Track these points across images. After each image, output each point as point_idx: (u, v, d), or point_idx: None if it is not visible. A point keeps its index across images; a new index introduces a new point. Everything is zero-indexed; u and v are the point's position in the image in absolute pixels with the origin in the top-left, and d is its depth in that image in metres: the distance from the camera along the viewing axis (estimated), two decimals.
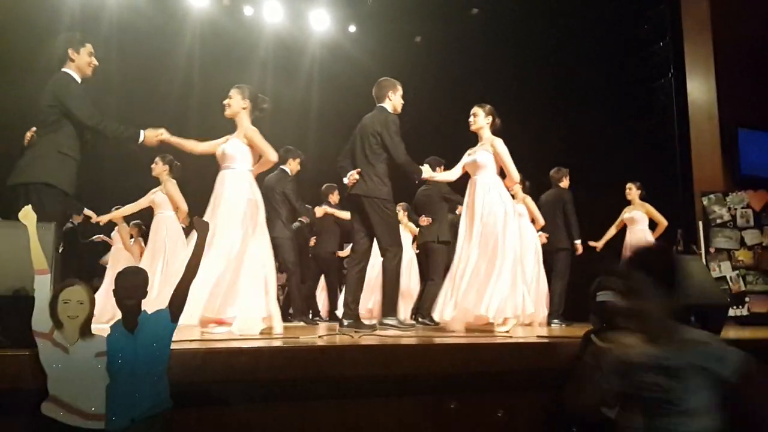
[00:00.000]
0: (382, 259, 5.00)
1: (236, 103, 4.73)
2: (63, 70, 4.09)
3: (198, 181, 6.31)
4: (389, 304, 4.98)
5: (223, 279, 4.25)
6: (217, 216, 4.38)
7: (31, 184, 3.77)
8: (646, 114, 9.25)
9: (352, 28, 11.04)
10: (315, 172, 8.84)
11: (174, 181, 6.69)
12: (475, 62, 10.21)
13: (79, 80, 4.11)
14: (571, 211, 7.28)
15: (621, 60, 9.51)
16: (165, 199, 6.64)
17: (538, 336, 4.37)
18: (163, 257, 6.39)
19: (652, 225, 7.63)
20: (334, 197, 8.21)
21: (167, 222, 6.58)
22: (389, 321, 4.90)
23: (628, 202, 7.84)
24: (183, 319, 3.01)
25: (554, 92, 9.78)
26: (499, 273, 4.83)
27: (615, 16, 9.36)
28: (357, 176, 4.88)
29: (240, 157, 4.60)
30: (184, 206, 6.58)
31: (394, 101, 5.17)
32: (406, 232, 7.89)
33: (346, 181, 4.96)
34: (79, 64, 4.11)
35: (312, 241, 8.12)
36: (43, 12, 9.43)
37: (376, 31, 10.85)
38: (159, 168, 6.70)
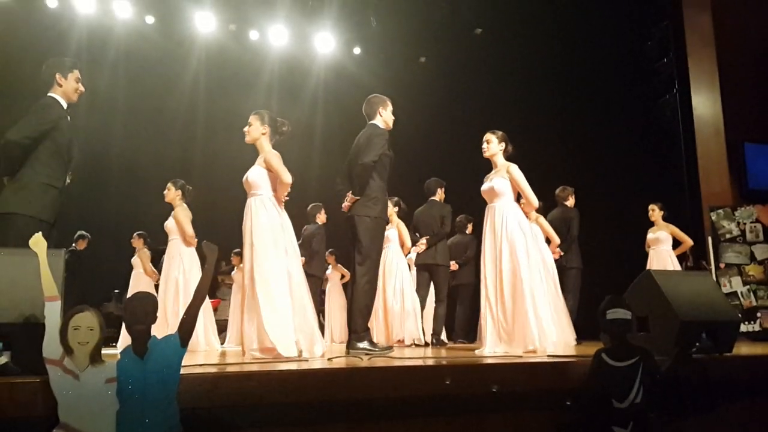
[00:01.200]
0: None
1: (255, 129, 4.74)
2: (49, 94, 4.06)
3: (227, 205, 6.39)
4: (360, 326, 4.82)
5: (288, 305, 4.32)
6: (255, 245, 4.41)
7: (13, 215, 3.71)
8: (652, 130, 9.27)
9: (357, 50, 11.14)
10: (319, 193, 8.87)
11: (185, 206, 6.70)
12: (480, 82, 10.28)
13: (65, 106, 4.07)
14: (576, 230, 7.28)
15: (625, 77, 9.55)
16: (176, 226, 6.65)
17: (549, 355, 4.34)
18: (176, 285, 6.38)
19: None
20: (322, 217, 8.30)
21: (180, 248, 6.59)
22: (361, 345, 4.73)
23: (637, 219, 7.83)
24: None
25: (559, 110, 9.81)
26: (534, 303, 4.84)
27: (618, 34, 9.41)
28: (349, 202, 4.90)
29: (263, 183, 4.60)
30: (189, 230, 6.56)
31: (384, 117, 5.21)
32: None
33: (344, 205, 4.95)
34: (66, 89, 4.08)
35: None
36: (50, 39, 9.57)
37: (380, 53, 10.96)
38: (171, 194, 6.68)
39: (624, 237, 7.99)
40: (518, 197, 5.21)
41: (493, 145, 5.20)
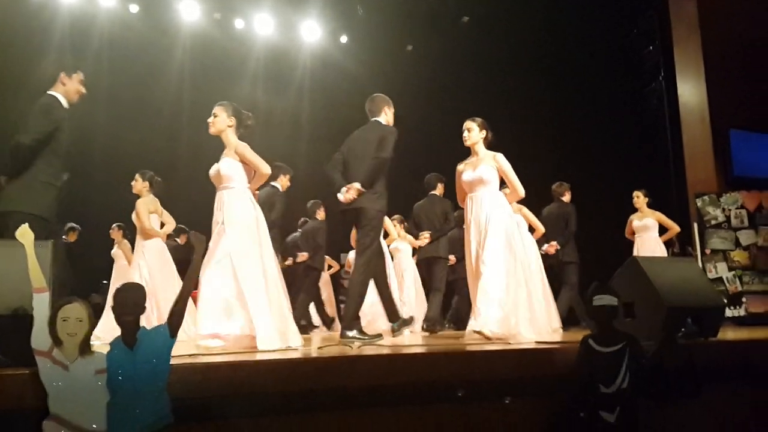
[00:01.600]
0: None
1: (221, 121, 4.63)
2: (50, 92, 4.07)
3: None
4: (351, 315, 4.79)
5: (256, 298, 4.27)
6: (228, 238, 4.35)
7: (15, 213, 3.75)
8: (638, 118, 9.33)
9: (344, 39, 11.09)
10: (306, 183, 8.86)
11: (151, 197, 6.59)
12: (466, 70, 10.28)
13: (66, 105, 4.09)
14: (573, 226, 7.30)
15: (612, 66, 9.59)
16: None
17: (537, 342, 4.38)
18: (139, 278, 6.31)
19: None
20: (321, 213, 8.32)
21: (140, 241, 6.54)
22: (350, 333, 4.69)
23: (623, 207, 7.87)
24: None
25: (545, 99, 9.84)
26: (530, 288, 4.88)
27: (605, 23, 9.44)
28: (354, 194, 4.78)
29: (236, 176, 4.53)
30: (147, 223, 6.46)
31: (388, 116, 5.18)
32: (406, 244, 7.93)
33: (341, 196, 4.85)
34: (69, 89, 4.11)
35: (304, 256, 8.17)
36: (33, 29, 9.47)
37: (367, 41, 10.92)
38: (138, 185, 6.59)
39: (611, 225, 8.03)
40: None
41: (474, 134, 5.12)
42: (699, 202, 7.92)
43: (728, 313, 7.25)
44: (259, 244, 4.43)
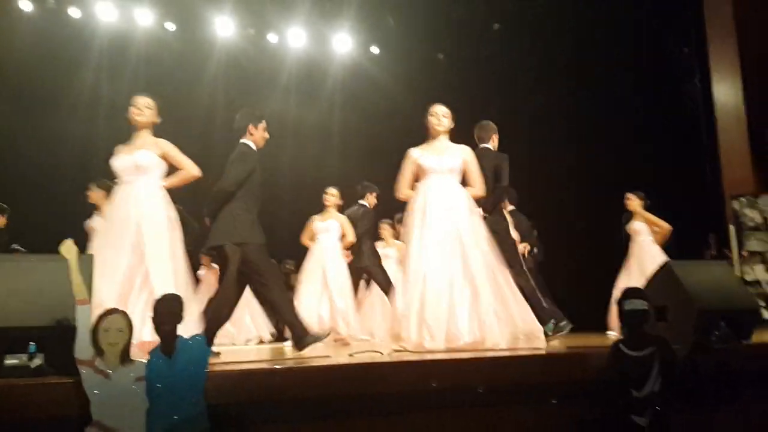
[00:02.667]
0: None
1: (153, 115, 4.81)
2: (243, 141, 4.66)
3: None
4: None
5: None
6: (154, 236, 4.40)
7: (246, 244, 4.32)
8: (674, 120, 9.20)
9: (375, 50, 11.18)
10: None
11: None
12: (499, 77, 10.25)
13: (255, 149, 4.67)
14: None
15: (646, 67, 9.48)
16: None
17: (568, 347, 4.37)
18: None
19: None
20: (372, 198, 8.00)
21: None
22: None
23: (658, 211, 7.77)
24: None
25: (579, 103, 9.77)
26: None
27: (639, 24, 9.35)
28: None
29: (155, 169, 4.63)
30: None
31: (495, 143, 5.52)
32: (394, 250, 7.81)
33: None
34: (256, 138, 4.69)
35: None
36: (73, 48, 9.78)
37: (398, 51, 10.97)
38: (95, 195, 6.51)
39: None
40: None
41: (448, 120, 5.12)
42: (736, 204, 7.79)
43: (766, 315, 7.10)
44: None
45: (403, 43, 10.85)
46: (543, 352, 4.07)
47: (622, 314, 3.32)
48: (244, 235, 4.32)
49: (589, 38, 9.51)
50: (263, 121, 4.73)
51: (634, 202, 7.43)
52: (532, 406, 3.43)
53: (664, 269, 4.28)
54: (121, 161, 4.55)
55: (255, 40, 10.60)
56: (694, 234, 7.75)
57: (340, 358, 3.91)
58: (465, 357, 3.78)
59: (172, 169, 4.72)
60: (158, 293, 3.93)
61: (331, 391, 3.16)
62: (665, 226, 7.32)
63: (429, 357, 3.84)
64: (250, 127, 4.66)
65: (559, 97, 9.91)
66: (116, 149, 4.68)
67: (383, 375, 3.30)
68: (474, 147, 5.26)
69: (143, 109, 4.69)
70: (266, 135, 4.75)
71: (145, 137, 4.67)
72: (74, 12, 9.61)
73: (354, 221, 7.28)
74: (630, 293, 3.37)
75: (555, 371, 3.56)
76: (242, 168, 4.51)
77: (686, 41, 9.15)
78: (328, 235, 7.15)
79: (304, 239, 7.33)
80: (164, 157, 4.62)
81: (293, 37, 10.44)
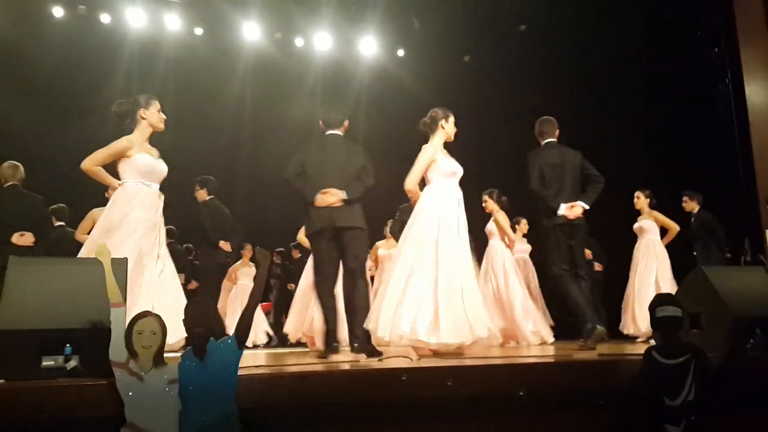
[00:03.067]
0: None
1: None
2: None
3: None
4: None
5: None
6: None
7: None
8: (705, 122, 9.07)
9: (401, 52, 11.19)
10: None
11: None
12: (526, 78, 10.20)
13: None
14: None
15: (676, 70, 9.36)
16: None
17: (599, 354, 4.32)
18: None
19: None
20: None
21: None
22: None
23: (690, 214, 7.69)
24: None
25: (608, 106, 9.67)
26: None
27: (668, 25, 9.24)
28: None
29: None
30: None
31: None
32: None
33: (567, 213, 5.40)
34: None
35: None
36: (103, 53, 9.94)
37: (424, 54, 10.98)
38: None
39: (681, 228, 7.80)
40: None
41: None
42: None
43: None
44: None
45: (429, 45, 10.85)
46: (573, 359, 4.03)
47: (655, 321, 3.27)
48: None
49: (616, 40, 9.43)
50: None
51: (641, 200, 7.46)
52: (562, 414, 3.40)
53: (696, 274, 4.22)
54: (162, 167, 4.58)
55: (282, 44, 10.69)
56: (729, 239, 7.62)
57: (371, 363, 3.91)
58: (496, 363, 3.75)
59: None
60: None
61: (363, 396, 3.16)
62: (674, 227, 7.30)
63: (459, 363, 3.82)
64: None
65: (589, 99, 9.83)
66: (143, 151, 4.52)
67: (415, 380, 3.29)
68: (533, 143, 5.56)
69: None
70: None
71: (145, 140, 4.62)
72: (105, 18, 9.79)
73: None
74: (663, 299, 3.32)
75: (586, 379, 3.52)
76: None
77: (716, 42, 9.00)
78: None
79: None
80: None
81: (319, 41, 10.50)
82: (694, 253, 7.62)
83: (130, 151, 4.38)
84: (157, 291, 4.26)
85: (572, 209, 5.40)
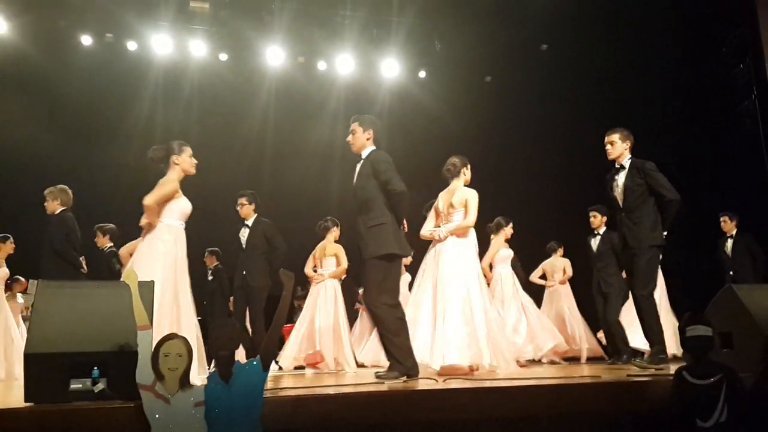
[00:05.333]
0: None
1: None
2: (373, 148, 4.80)
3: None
4: None
5: None
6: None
7: (395, 255, 4.49)
8: (732, 139, 8.97)
9: (422, 74, 11.25)
10: None
11: None
12: (548, 98, 10.18)
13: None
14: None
15: (702, 86, 9.29)
16: None
17: (628, 375, 4.25)
18: None
19: None
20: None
21: None
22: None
23: (717, 233, 7.60)
24: None
25: (634, 124, 9.59)
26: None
27: (692, 42, 9.19)
28: None
29: None
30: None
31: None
32: None
33: None
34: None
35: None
36: (128, 78, 10.13)
37: (445, 75, 11.02)
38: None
39: (704, 252, 7.71)
40: None
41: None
42: None
43: None
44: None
45: (451, 66, 10.89)
46: (603, 380, 3.97)
47: (685, 341, 3.21)
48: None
49: (639, 58, 9.39)
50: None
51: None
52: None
53: (725, 293, 4.15)
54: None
55: (305, 68, 10.82)
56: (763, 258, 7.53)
57: (395, 384, 3.88)
58: (522, 385, 3.70)
59: None
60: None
61: (387, 419, 3.14)
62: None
63: (488, 385, 3.78)
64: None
65: (613, 118, 9.74)
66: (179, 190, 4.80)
67: (439, 402, 3.26)
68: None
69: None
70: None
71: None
72: (131, 45, 9.98)
73: None
74: (693, 319, 3.26)
75: (616, 400, 3.46)
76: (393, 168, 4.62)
77: (742, 58, 8.93)
78: None
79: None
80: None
81: (342, 64, 10.59)
82: (731, 273, 7.49)
83: (177, 194, 4.63)
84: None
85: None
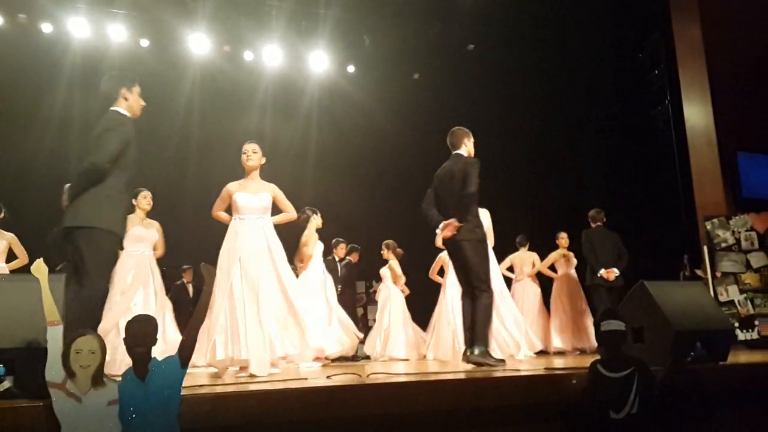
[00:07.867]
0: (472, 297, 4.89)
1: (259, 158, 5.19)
2: (115, 109, 3.99)
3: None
4: (481, 337, 4.77)
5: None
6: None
7: (94, 229, 3.68)
8: (646, 142, 9.35)
9: (351, 69, 11.22)
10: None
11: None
12: (473, 97, 10.35)
13: (130, 117, 4.06)
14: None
15: (617, 89, 9.64)
16: None
17: (545, 368, 4.37)
18: None
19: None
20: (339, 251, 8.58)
21: None
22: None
23: (632, 233, 7.95)
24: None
25: (551, 124, 9.90)
26: None
27: (609, 47, 9.52)
28: (456, 225, 4.82)
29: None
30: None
31: (468, 147, 5.30)
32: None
33: (439, 232, 4.95)
34: (132, 104, 4.06)
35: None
36: (44, 63, 9.66)
37: (374, 71, 11.03)
38: None
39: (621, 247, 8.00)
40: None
41: (258, 157, 5.28)
42: (708, 225, 7.89)
43: (740, 336, 7.20)
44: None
45: (380, 62, 10.91)
46: (522, 373, 4.06)
47: (600, 335, 3.33)
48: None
49: (560, 60, 9.67)
50: (138, 87, 4.12)
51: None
52: (510, 428, 3.42)
53: (639, 289, 4.31)
54: (247, 200, 5.06)
55: (231, 57, 10.58)
56: (670, 255, 7.87)
57: (318, 380, 3.85)
58: (442, 379, 3.74)
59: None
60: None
61: (308, 415, 3.11)
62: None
63: (411, 379, 3.80)
64: (124, 91, 4.02)
65: (532, 118, 10.03)
66: (232, 187, 5.13)
67: (363, 397, 3.26)
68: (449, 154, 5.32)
69: (251, 154, 5.14)
70: (142, 102, 4.14)
71: (259, 180, 5.18)
72: (46, 27, 9.51)
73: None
74: (607, 314, 3.39)
75: (533, 393, 3.55)
76: (117, 139, 3.81)
77: (657, 63, 9.31)
78: None
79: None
80: (274, 199, 5.18)
81: (269, 55, 10.42)
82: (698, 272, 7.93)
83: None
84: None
85: (445, 229, 5.01)
